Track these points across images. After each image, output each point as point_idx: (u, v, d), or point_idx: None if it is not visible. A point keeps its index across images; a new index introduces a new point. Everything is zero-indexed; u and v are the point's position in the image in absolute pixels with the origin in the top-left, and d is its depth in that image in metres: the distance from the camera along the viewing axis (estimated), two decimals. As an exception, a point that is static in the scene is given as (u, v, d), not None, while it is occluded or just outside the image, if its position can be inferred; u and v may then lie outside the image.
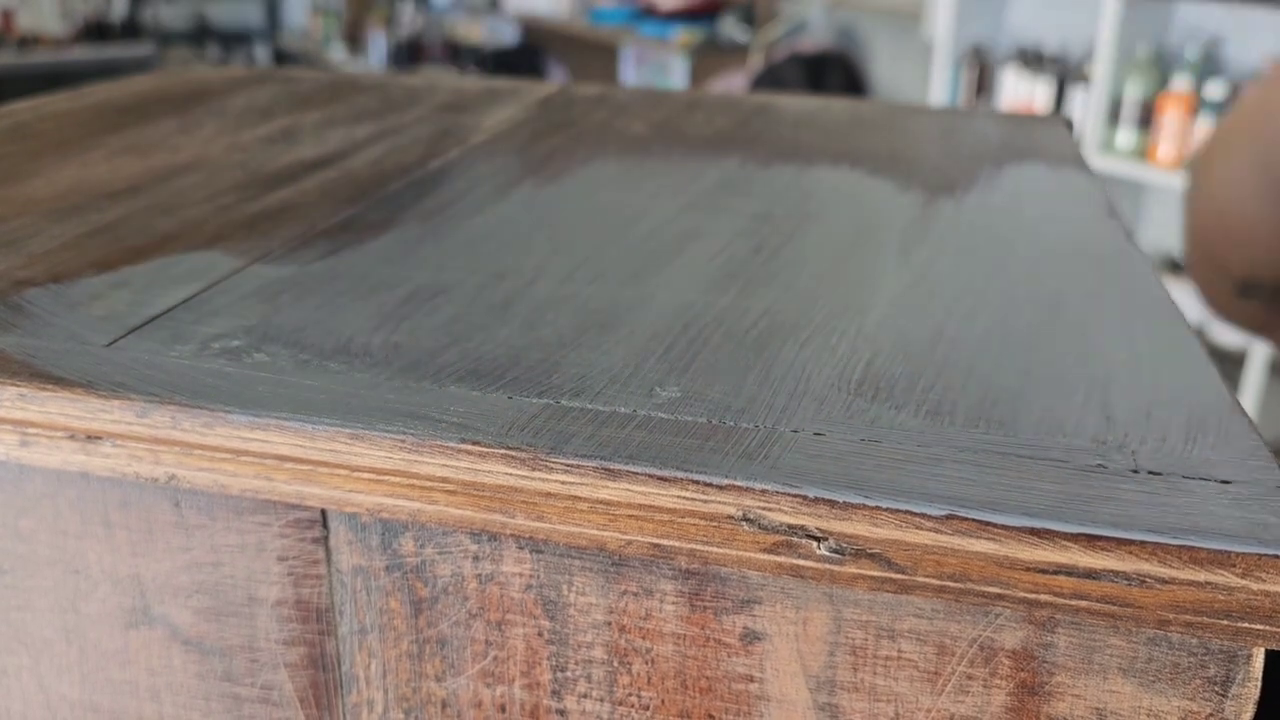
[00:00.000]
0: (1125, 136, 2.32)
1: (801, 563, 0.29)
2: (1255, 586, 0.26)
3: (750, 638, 0.31)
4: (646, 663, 0.32)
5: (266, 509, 0.34)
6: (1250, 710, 0.29)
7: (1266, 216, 0.64)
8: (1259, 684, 0.28)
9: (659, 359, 0.35)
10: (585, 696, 0.33)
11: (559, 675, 0.33)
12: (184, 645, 0.36)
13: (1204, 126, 2.16)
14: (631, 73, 3.79)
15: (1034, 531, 0.27)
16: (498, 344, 0.36)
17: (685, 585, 0.31)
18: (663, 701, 0.33)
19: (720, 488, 0.29)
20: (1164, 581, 0.27)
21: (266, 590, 0.35)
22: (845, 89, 2.88)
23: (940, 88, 2.74)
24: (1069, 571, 0.27)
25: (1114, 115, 2.34)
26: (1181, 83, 2.22)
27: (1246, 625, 0.26)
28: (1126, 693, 0.29)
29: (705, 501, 0.29)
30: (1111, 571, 0.27)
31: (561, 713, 0.34)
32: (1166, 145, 2.23)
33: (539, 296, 0.41)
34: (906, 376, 0.34)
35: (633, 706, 0.33)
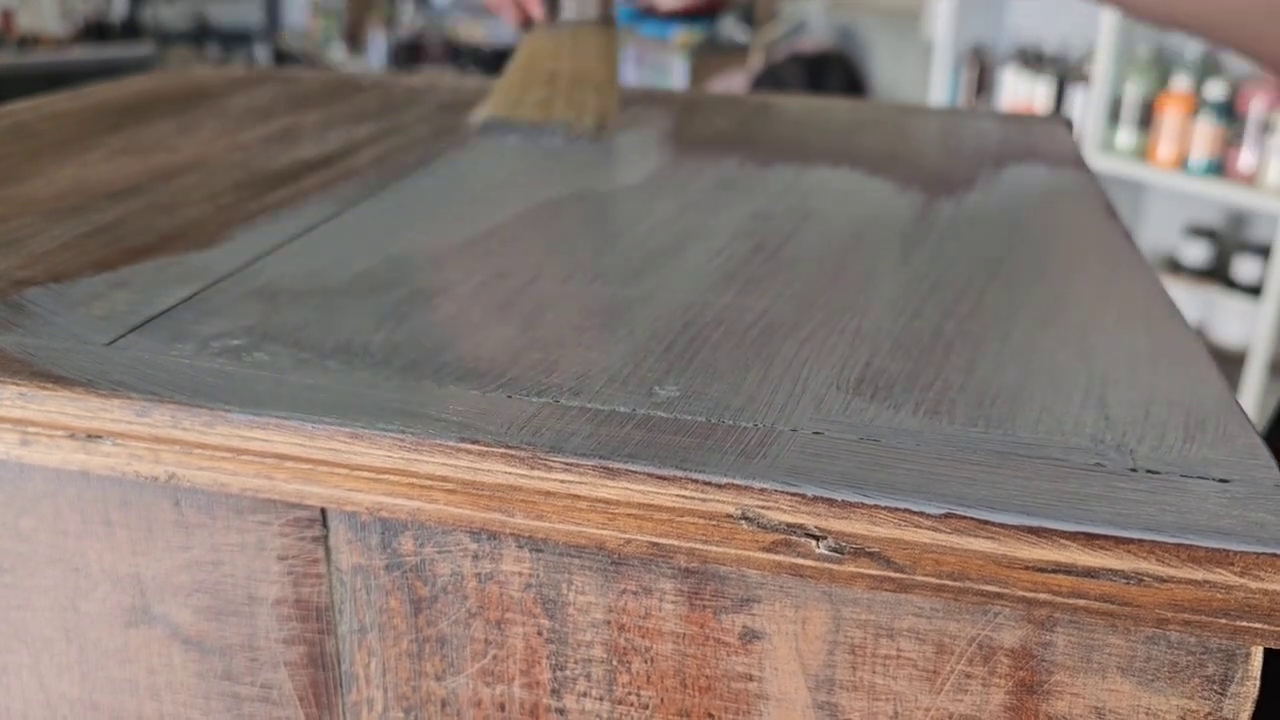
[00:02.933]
0: (1125, 136, 2.32)
1: (800, 561, 0.29)
2: (1253, 585, 0.26)
3: (749, 636, 0.31)
4: (646, 661, 0.32)
5: (266, 508, 0.34)
6: (1249, 709, 0.29)
7: None
8: (1257, 682, 0.28)
9: (658, 358, 0.35)
10: (585, 695, 0.33)
11: (558, 674, 0.33)
12: (184, 644, 0.36)
13: (1204, 126, 2.16)
14: (632, 73, 3.78)
15: (1032, 530, 0.27)
16: (498, 343, 0.36)
17: (684, 584, 0.31)
18: (662, 700, 0.33)
19: (719, 486, 0.29)
20: (1162, 580, 0.27)
21: (266, 589, 0.35)
22: (845, 89, 2.88)
23: (940, 88, 2.74)
24: (1067, 570, 0.27)
25: (1114, 115, 2.34)
26: (1181, 83, 2.22)
27: (1245, 624, 0.27)
28: (1125, 691, 0.29)
29: (704, 500, 0.29)
30: (1110, 570, 0.27)
31: (561, 711, 0.34)
32: (1166, 145, 2.23)
33: (539, 296, 0.41)
34: (905, 376, 0.35)
35: (632, 705, 0.33)
